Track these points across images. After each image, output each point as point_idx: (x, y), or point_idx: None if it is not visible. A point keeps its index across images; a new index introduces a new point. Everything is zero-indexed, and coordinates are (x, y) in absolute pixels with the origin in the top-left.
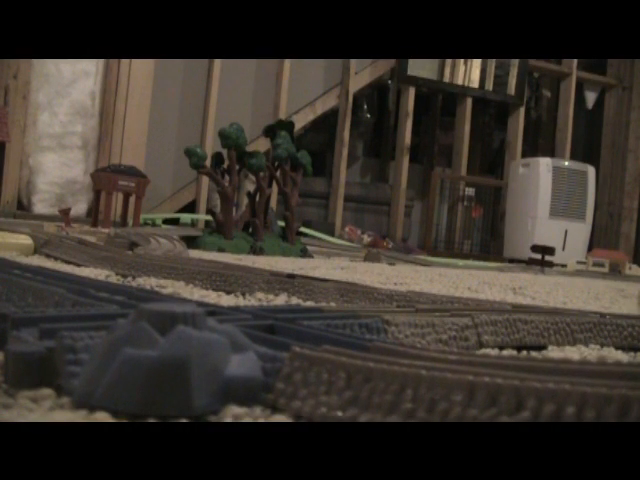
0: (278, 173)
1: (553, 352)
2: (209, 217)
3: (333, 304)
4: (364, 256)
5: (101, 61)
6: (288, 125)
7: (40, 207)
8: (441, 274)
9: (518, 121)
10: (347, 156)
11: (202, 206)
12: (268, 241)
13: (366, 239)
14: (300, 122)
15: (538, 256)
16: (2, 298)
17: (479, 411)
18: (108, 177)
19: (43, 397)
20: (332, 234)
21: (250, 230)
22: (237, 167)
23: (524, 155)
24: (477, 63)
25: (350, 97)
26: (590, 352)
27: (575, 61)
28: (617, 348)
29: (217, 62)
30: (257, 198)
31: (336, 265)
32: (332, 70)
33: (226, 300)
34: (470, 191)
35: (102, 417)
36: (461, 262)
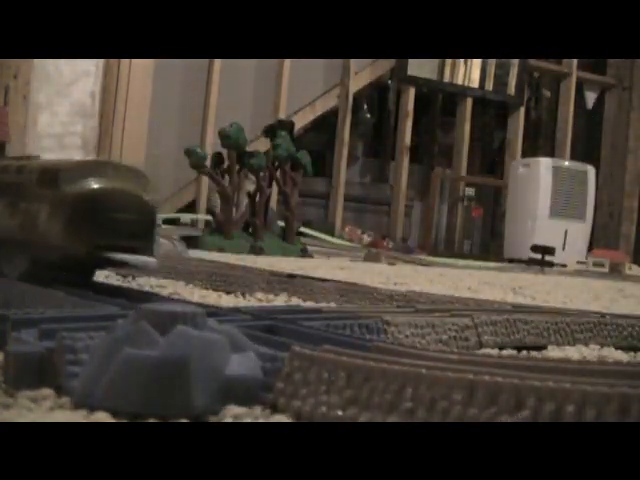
0: (278, 173)
1: (553, 352)
2: (209, 217)
3: (333, 304)
4: (364, 256)
5: (101, 61)
6: (288, 125)
7: None
8: (441, 274)
9: (518, 121)
10: (347, 156)
11: (202, 206)
12: (268, 241)
13: (366, 239)
14: (300, 122)
15: (538, 256)
16: (2, 299)
17: (479, 410)
18: None
19: (43, 397)
20: (332, 234)
21: (250, 230)
22: (237, 167)
23: (524, 155)
24: (477, 63)
25: (350, 97)
26: (590, 352)
27: (575, 61)
28: (617, 348)
29: (217, 62)
30: (257, 198)
31: (336, 265)
32: (332, 70)
33: (226, 300)
34: (470, 191)
35: (102, 417)
36: (461, 262)
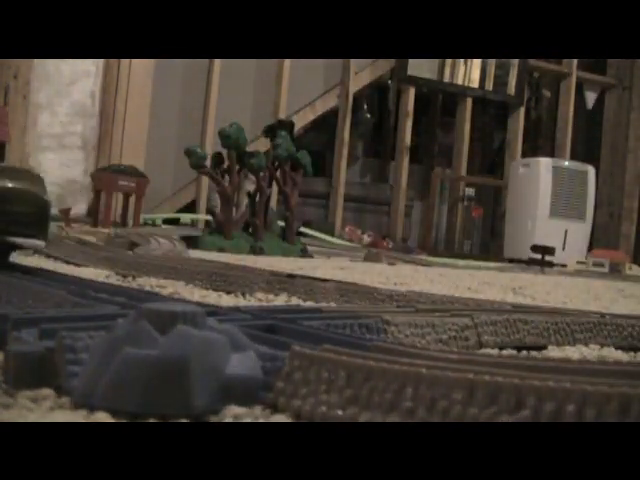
0: (278, 173)
1: (553, 352)
2: (209, 217)
3: (333, 304)
4: (364, 256)
5: (101, 61)
6: (288, 125)
7: None
8: (441, 274)
9: (518, 121)
10: (347, 156)
11: (202, 206)
12: (268, 241)
13: (366, 239)
14: (300, 122)
15: (538, 256)
16: (2, 299)
17: (479, 409)
18: (108, 177)
19: (43, 397)
20: (332, 234)
21: (250, 230)
22: (237, 167)
23: (524, 155)
24: (477, 63)
25: (350, 97)
26: (590, 352)
27: (575, 61)
28: (617, 348)
29: (217, 62)
30: (257, 198)
31: (336, 265)
32: (332, 70)
33: (226, 300)
34: (470, 191)
35: (102, 417)
36: (461, 262)
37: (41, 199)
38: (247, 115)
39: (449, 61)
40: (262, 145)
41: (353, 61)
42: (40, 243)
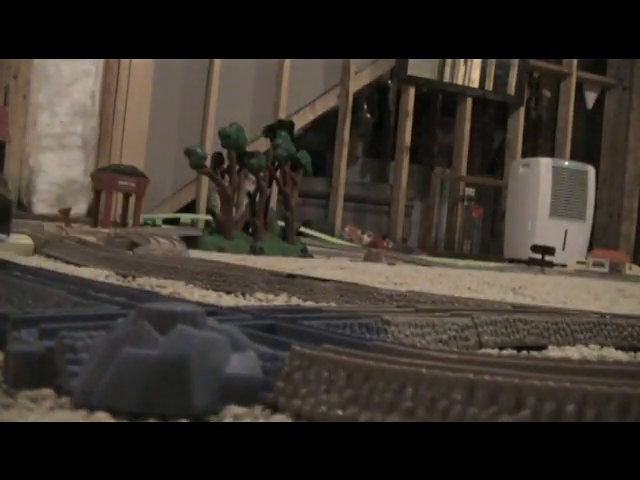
0: (278, 173)
1: (553, 352)
2: (209, 217)
3: (333, 304)
4: (364, 256)
5: (101, 61)
6: (288, 125)
7: (40, 207)
8: (441, 274)
9: (518, 121)
10: (347, 156)
11: (202, 206)
12: (268, 241)
13: (366, 239)
14: (300, 122)
15: (538, 256)
16: (2, 299)
17: (479, 409)
18: (108, 177)
19: (43, 397)
20: (332, 234)
21: (250, 230)
22: (237, 167)
23: (524, 155)
24: (477, 63)
25: (350, 97)
26: (590, 352)
27: (575, 61)
28: (617, 348)
29: (217, 62)
30: (257, 198)
31: (336, 265)
32: (332, 70)
33: (226, 300)
34: (470, 191)
35: (102, 417)
36: (461, 262)
37: (4, 198)
38: (247, 115)
39: (449, 61)
40: (262, 145)
41: (353, 61)
42: (3, 236)
